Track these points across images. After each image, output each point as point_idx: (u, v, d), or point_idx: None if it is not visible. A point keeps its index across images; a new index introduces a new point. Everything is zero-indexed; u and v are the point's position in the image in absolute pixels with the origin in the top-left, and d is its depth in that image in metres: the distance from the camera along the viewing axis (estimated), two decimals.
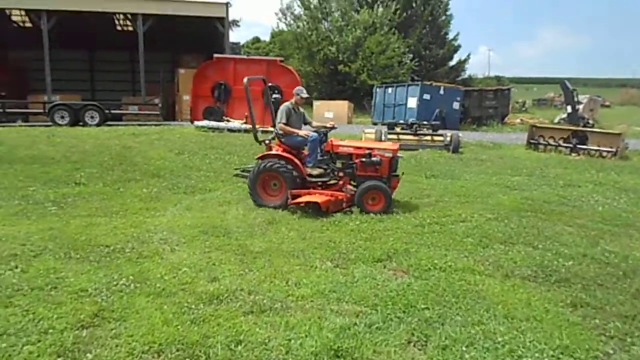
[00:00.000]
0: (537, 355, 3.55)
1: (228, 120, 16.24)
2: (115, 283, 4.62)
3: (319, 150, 7.76)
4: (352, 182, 7.70)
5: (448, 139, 14.20)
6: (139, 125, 16.98)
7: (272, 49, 46.61)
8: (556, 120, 25.51)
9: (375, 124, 23.63)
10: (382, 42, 33.85)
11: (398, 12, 36.47)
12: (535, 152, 14.99)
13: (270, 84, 16.51)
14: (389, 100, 23.98)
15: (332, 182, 7.87)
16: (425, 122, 15.77)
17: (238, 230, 6.46)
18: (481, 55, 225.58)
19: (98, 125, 17.40)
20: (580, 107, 22.62)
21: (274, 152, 7.81)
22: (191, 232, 6.29)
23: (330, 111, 25.55)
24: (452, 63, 43.21)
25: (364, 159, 7.52)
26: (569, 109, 21.92)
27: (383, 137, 14.03)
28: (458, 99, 23.26)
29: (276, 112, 16.12)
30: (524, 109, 38.15)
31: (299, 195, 7.37)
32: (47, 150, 10.81)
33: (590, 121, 22.14)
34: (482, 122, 24.55)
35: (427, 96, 22.09)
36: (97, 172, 9.54)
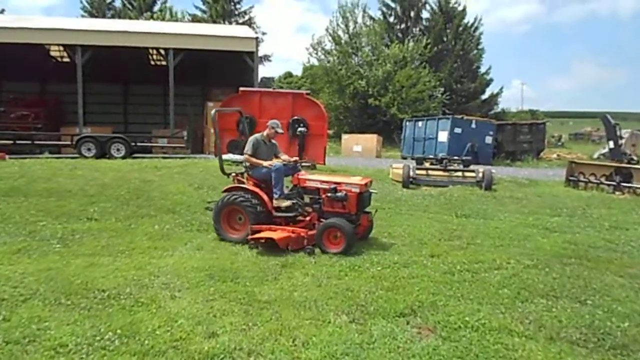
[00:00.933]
0: None
1: None
2: (100, 337, 4.10)
3: (283, 181, 7.50)
4: (321, 219, 7.28)
5: (480, 174, 13.45)
6: (164, 158, 16.82)
7: (303, 83, 46.92)
8: (595, 156, 24.41)
9: (404, 158, 23.05)
10: (413, 75, 33.49)
11: (429, 46, 36.21)
12: (575, 190, 14.06)
13: (296, 117, 16.30)
14: (419, 134, 23.40)
15: (300, 218, 7.51)
16: (456, 157, 15.08)
17: (248, 274, 5.90)
18: (514, 89, 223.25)
19: (124, 157, 17.34)
20: (622, 142, 21.52)
21: (239, 185, 7.64)
22: (197, 276, 5.77)
23: (359, 145, 25.12)
24: (484, 97, 42.51)
25: (329, 194, 7.17)
26: (611, 144, 20.85)
27: (411, 173, 13.40)
28: (491, 133, 22.50)
29: (303, 145, 16.03)
30: (560, 143, 36.94)
31: (260, 231, 7.03)
32: (66, 183, 10.60)
33: (635, 157, 20.98)
34: (516, 157, 23.66)
35: (458, 130, 21.42)
36: (111, 207, 9.21)
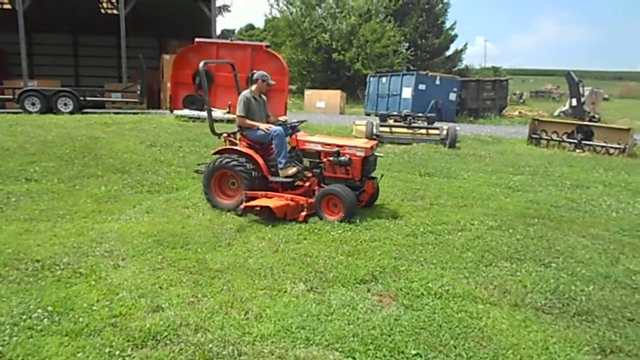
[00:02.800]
0: None
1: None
2: (27, 315, 3.67)
3: (286, 147, 6.74)
4: (322, 185, 6.70)
5: (444, 132, 13.23)
6: (117, 113, 15.92)
7: (265, 36, 45.44)
8: (556, 114, 24.65)
9: (368, 114, 22.68)
10: (377, 30, 32.73)
11: None
12: (538, 147, 14.09)
13: (255, 71, 15.53)
14: (383, 91, 22.98)
15: (298, 183, 6.93)
16: (420, 114, 14.80)
17: (200, 240, 5.51)
18: (478, 46, 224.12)
19: (72, 113, 16.28)
20: (583, 100, 21.70)
21: (232, 147, 6.89)
22: (144, 243, 5.34)
23: (322, 101, 24.58)
24: (449, 53, 42.19)
25: (331, 158, 6.52)
26: (574, 101, 20.99)
27: (374, 130, 13.05)
28: (455, 89, 22.29)
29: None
30: (521, 101, 37.27)
31: (254, 198, 6.42)
32: (4, 141, 9.76)
33: (596, 115, 21.24)
34: (479, 114, 23.63)
35: (422, 86, 21.11)
36: (54, 167, 8.53)
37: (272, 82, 7.12)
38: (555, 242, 5.82)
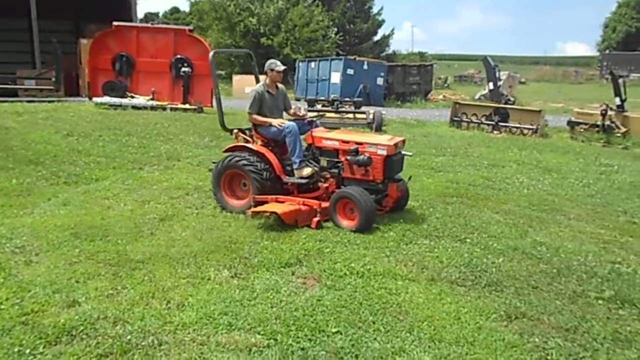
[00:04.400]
0: None
1: (132, 97, 14.62)
2: None
3: (301, 144, 6.17)
4: (342, 187, 6.03)
5: (371, 116, 13.52)
6: (30, 102, 14.96)
7: (191, 20, 44.07)
8: (477, 97, 25.71)
9: (298, 99, 22.67)
10: (305, 14, 32.66)
11: None
12: (459, 129, 14.69)
13: (179, 56, 15.12)
14: (312, 75, 23.03)
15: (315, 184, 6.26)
16: (347, 99, 15.00)
17: (120, 231, 5.35)
18: (405, 31, 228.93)
19: None
20: (500, 83, 22.79)
21: (244, 144, 6.28)
22: (59, 236, 5.12)
23: (251, 86, 24.27)
24: (377, 38, 42.82)
25: (349, 157, 5.88)
26: (491, 85, 21.96)
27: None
28: (382, 74, 22.71)
29: (188, 87, 14.99)
30: (446, 85, 38.52)
31: (264, 202, 5.83)
32: None
33: (511, 98, 22.38)
34: (405, 98, 24.24)
35: (350, 71, 21.34)
36: None
37: (281, 68, 6.47)
38: (471, 218, 6.14)
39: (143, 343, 3.26)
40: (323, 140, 6.15)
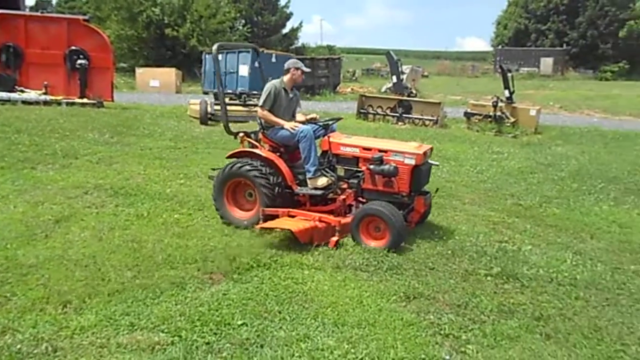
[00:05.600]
0: None
1: (22, 91, 13.53)
2: None
3: (316, 151, 5.49)
4: (360, 200, 5.48)
5: None
6: None
7: (88, 9, 41.46)
8: (383, 90, 26.61)
9: (206, 93, 22.17)
10: (212, 5, 31.93)
11: None
12: (366, 121, 15.16)
13: (73, 48, 14.20)
14: (220, 68, 22.65)
15: (331, 196, 5.57)
16: (255, 92, 14.89)
17: (9, 235, 4.99)
18: (315, 24, 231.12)
19: None
20: (404, 77, 23.75)
21: (250, 149, 5.62)
22: None
23: (156, 79, 23.40)
24: (285, 31, 42.95)
25: (372, 166, 5.29)
26: (394, 78, 22.80)
27: (209, 109, 12.86)
28: None
29: (85, 80, 14.13)
30: (354, 78, 39.41)
31: (273, 216, 5.27)
32: None
33: (413, 91, 23.37)
34: (315, 91, 24.54)
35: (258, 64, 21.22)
36: None
37: (307, 70, 5.95)
38: None
39: (35, 351, 3.09)
40: (341, 146, 5.52)
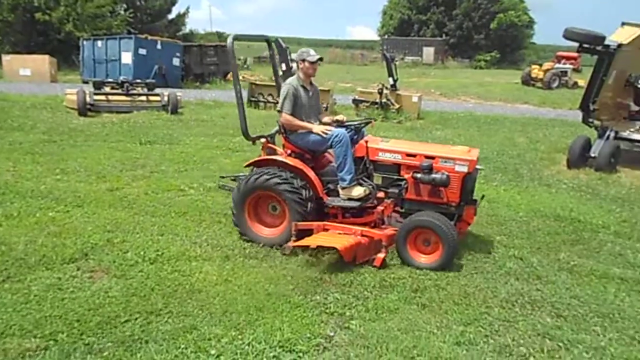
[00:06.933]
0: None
1: None
2: None
3: (352, 158, 4.83)
4: (400, 210, 5.04)
5: (166, 98, 13.05)
6: None
7: None
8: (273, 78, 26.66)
9: (86, 82, 20.72)
10: None
11: None
12: (256, 109, 15.10)
13: None
14: (100, 55, 21.21)
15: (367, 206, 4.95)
16: (138, 80, 14.22)
17: None
18: (204, 10, 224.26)
19: None
20: (294, 65, 23.93)
21: (273, 157, 5.01)
22: None
23: (26, 68, 21.37)
24: (171, 16, 41.19)
25: (418, 175, 4.78)
26: (284, 66, 22.88)
27: (88, 99, 12.04)
28: (177, 54, 22.00)
29: None
30: (245, 66, 38.99)
31: (307, 232, 4.69)
32: None
33: None
34: (204, 79, 23.95)
35: (143, 51, 20.19)
36: None
37: (315, 58, 5.03)
38: None
39: None
40: (380, 152, 4.94)
